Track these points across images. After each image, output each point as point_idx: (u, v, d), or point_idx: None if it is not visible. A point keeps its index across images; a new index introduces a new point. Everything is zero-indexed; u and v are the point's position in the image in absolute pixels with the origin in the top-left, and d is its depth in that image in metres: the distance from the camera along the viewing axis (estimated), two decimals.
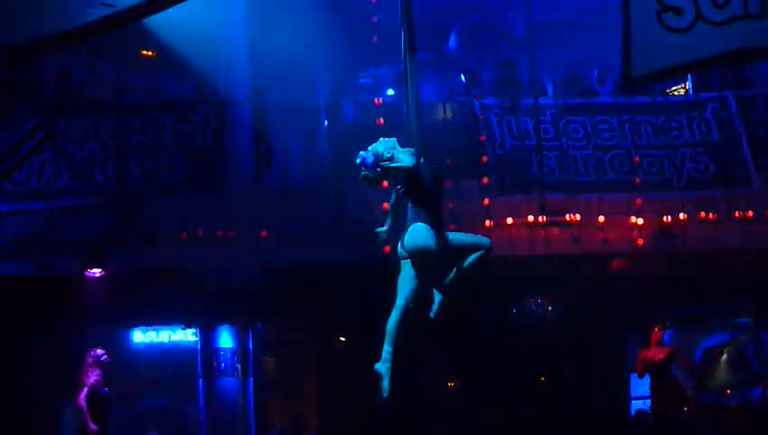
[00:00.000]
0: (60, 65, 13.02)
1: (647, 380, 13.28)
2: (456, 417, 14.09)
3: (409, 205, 6.90)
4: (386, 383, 6.75)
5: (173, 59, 12.20)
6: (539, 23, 13.88)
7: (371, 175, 6.96)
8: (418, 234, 6.81)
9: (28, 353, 13.55)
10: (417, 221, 6.84)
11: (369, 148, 7.00)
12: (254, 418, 13.62)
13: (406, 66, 7.07)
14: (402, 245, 6.88)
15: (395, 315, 6.80)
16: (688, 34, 7.44)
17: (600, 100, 13.37)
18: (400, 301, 6.82)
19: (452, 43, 14.69)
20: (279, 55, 12.15)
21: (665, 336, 13.40)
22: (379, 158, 6.94)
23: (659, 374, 13.09)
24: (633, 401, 14.89)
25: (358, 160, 6.98)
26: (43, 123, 11.77)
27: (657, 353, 13.13)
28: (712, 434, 13.48)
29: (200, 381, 13.57)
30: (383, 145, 6.98)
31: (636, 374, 13.47)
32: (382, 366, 6.78)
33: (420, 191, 6.90)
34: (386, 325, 6.76)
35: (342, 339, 15.61)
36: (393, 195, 7.17)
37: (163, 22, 11.46)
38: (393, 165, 6.85)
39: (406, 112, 7.10)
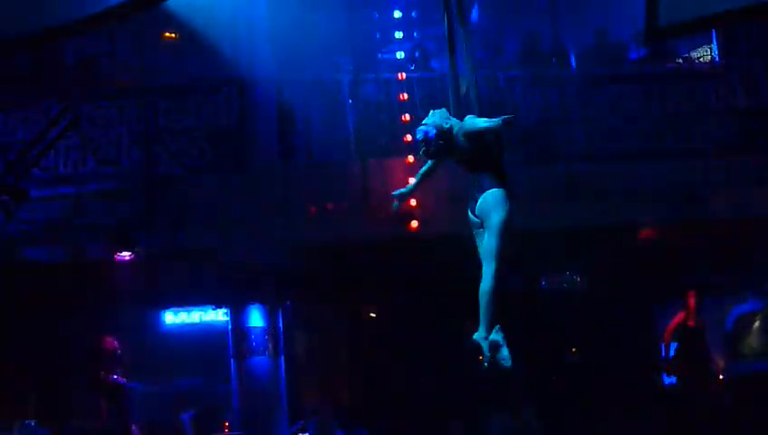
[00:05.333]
0: (82, 50, 13.05)
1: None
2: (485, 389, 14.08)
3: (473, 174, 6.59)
4: (486, 352, 6.53)
5: (195, 40, 12.20)
6: None
7: (433, 149, 6.64)
8: (498, 197, 6.51)
9: (59, 339, 13.64)
10: (486, 186, 6.52)
11: (425, 122, 6.66)
12: (285, 395, 13.69)
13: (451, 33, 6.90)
14: (475, 212, 6.58)
15: (488, 284, 6.54)
16: None
17: (625, 69, 13.28)
18: (490, 269, 6.50)
19: (474, 15, 14.60)
20: (301, 32, 12.12)
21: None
22: (440, 129, 6.62)
23: (689, 343, 13.04)
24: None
25: (419, 136, 6.65)
26: (67, 109, 11.81)
27: (690, 320, 13.08)
28: (743, 403, 13.38)
29: (232, 360, 13.63)
30: (439, 116, 6.68)
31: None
32: (479, 337, 6.56)
33: (489, 155, 6.58)
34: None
35: (372, 315, 15.64)
36: (427, 164, 6.93)
37: (184, 3, 11.48)
38: (483, 126, 6.43)
39: (451, 81, 6.91)
